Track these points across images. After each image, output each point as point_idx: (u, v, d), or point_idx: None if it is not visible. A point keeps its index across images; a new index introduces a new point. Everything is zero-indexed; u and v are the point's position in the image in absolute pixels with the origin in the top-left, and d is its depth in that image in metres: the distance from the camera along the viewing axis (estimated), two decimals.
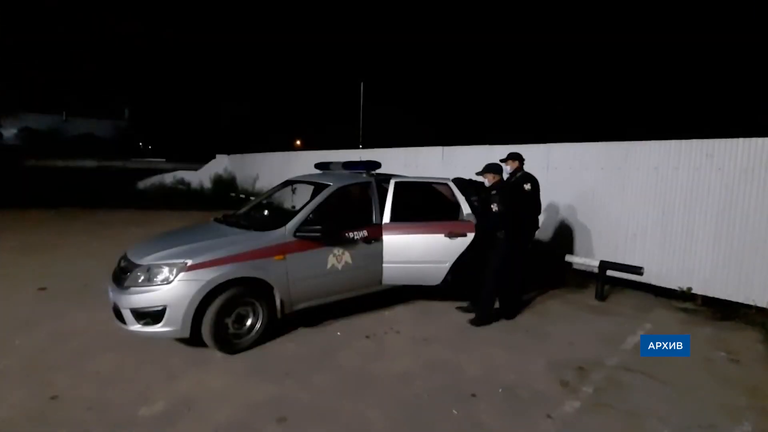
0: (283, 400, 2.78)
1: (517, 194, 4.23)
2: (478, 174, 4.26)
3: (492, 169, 4.15)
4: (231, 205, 10.18)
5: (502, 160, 4.47)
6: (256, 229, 3.74)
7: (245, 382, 2.99)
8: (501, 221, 3.92)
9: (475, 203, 4.25)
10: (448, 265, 4.06)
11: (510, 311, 4.28)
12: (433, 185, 4.53)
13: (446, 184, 4.20)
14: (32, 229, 8.60)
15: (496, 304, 4.17)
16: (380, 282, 4.18)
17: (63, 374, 3.04)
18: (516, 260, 4.11)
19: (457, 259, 4.06)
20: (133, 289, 3.21)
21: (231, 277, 3.30)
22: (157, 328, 3.17)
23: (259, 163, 14.15)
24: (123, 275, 3.37)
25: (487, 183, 4.19)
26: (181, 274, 3.17)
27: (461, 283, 4.31)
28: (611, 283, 5.23)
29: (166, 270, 3.22)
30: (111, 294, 3.39)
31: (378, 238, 4.06)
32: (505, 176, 4.37)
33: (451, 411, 2.70)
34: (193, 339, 3.29)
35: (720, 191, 4.55)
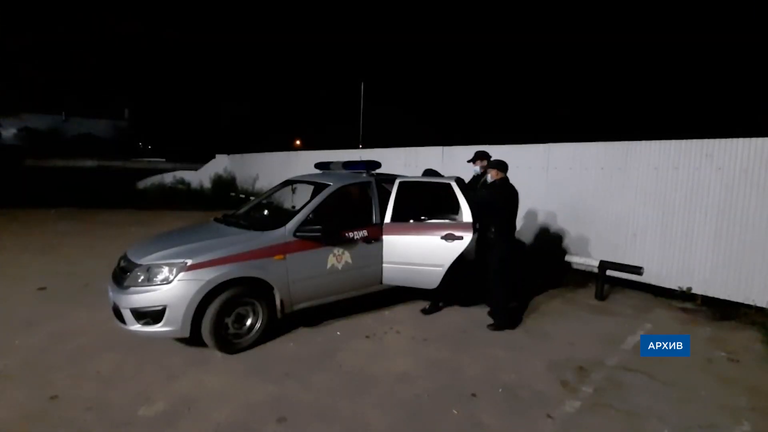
0: (283, 400, 2.78)
1: (508, 194, 4.21)
2: (483, 167, 4.26)
3: (498, 165, 4.12)
4: (231, 204, 10.18)
5: (469, 161, 4.54)
6: (256, 229, 3.74)
7: (245, 382, 2.98)
8: (496, 218, 3.93)
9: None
10: (444, 269, 3.96)
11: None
12: (436, 186, 4.52)
13: (448, 185, 4.20)
14: (32, 229, 8.60)
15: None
16: (380, 282, 4.18)
17: (63, 374, 3.03)
18: (514, 261, 4.12)
19: (455, 261, 3.96)
20: (132, 288, 3.21)
21: (231, 276, 3.30)
22: (157, 328, 3.16)
23: (258, 163, 14.15)
24: (123, 275, 3.37)
25: (489, 178, 4.17)
26: (181, 274, 3.17)
27: (458, 285, 4.30)
28: (611, 282, 5.23)
29: (165, 270, 3.21)
30: (111, 294, 3.39)
31: (378, 238, 4.06)
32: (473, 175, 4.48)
33: (452, 411, 2.70)
34: (193, 339, 3.28)
35: (720, 191, 4.55)
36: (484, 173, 4.42)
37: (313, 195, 4.20)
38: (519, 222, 6.20)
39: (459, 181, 4.34)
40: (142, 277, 3.24)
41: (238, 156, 15.74)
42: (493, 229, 3.95)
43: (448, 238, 3.93)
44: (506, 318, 4.03)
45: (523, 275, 5.30)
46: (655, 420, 2.64)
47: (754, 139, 4.35)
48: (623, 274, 5.01)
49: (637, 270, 4.78)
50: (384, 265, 4.09)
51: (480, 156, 4.52)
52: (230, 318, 3.36)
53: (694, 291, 4.76)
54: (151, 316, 3.15)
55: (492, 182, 4.10)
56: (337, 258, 3.86)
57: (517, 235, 6.26)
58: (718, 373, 3.26)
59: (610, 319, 4.37)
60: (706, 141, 4.66)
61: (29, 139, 32.61)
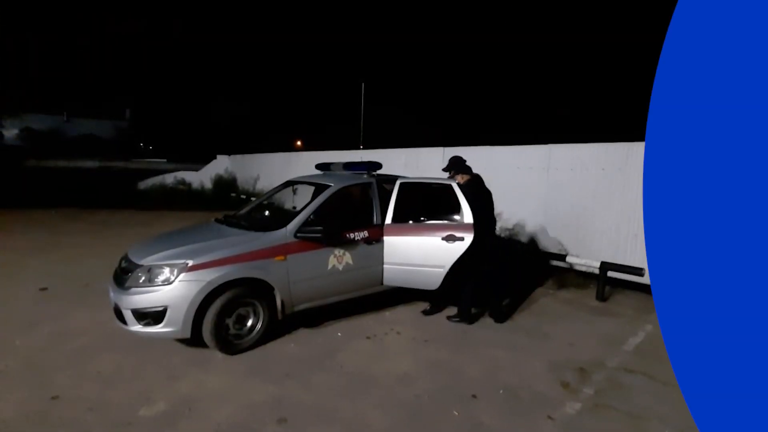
0: (284, 400, 2.78)
1: (479, 194, 4.25)
2: (449, 174, 4.32)
3: (463, 170, 4.26)
4: (232, 205, 10.20)
5: (444, 169, 4.47)
6: (257, 230, 3.74)
7: (246, 383, 2.99)
8: (476, 219, 3.98)
9: None
10: (444, 270, 3.96)
11: (499, 314, 4.26)
12: (437, 186, 4.52)
13: (449, 185, 4.20)
14: (33, 229, 8.61)
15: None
16: (381, 283, 4.18)
17: (64, 374, 3.04)
18: (498, 261, 4.17)
19: (456, 262, 3.95)
20: (134, 289, 3.21)
21: (232, 277, 3.30)
22: (158, 329, 3.17)
23: (259, 164, 14.16)
24: (124, 275, 3.37)
25: (457, 182, 4.24)
26: (182, 275, 3.17)
27: (459, 286, 4.31)
28: (612, 283, 5.22)
29: (167, 270, 3.21)
30: (112, 294, 3.39)
31: (379, 239, 4.06)
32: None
33: (452, 412, 2.70)
34: (194, 339, 3.29)
35: None
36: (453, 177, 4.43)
37: (314, 196, 4.20)
38: (519, 222, 6.23)
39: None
40: (143, 278, 3.24)
41: (239, 156, 15.76)
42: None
43: (449, 239, 3.93)
44: (469, 313, 4.14)
45: (521, 275, 5.32)
46: (656, 421, 2.64)
47: None
48: (624, 275, 5.01)
49: (638, 271, 4.78)
50: (385, 266, 4.10)
51: (452, 164, 4.46)
52: (231, 319, 3.36)
53: None
54: (152, 316, 3.16)
55: (457, 183, 4.17)
56: (338, 259, 3.86)
57: (516, 236, 6.29)
58: None
59: (611, 320, 4.37)
60: None
61: (31, 140, 32.77)
